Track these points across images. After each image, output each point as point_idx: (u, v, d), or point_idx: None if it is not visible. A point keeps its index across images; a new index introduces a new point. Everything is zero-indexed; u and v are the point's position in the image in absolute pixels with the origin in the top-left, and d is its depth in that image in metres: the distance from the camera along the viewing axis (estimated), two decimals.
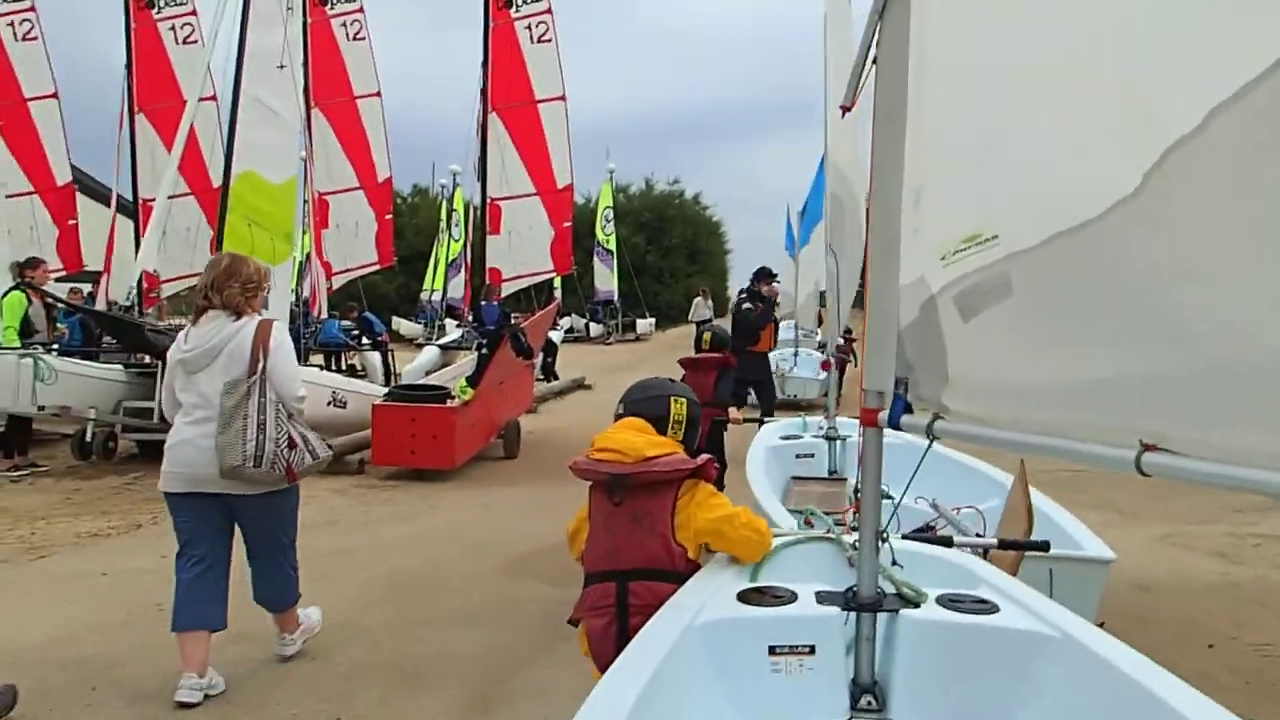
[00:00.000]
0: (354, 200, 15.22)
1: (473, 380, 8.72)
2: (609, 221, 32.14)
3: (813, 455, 4.83)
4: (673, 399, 2.60)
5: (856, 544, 2.03)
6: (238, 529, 3.60)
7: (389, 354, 15.50)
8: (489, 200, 12.53)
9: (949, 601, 1.94)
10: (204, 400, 3.49)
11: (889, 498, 3.13)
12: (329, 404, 9.15)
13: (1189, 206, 1.13)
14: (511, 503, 7.21)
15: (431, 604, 4.66)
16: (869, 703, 1.88)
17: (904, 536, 2.14)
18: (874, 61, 1.98)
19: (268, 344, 3.51)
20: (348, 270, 15.41)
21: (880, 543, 1.96)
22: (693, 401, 2.66)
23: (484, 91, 12.09)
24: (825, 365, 6.13)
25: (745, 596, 2.03)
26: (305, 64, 14.28)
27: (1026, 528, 3.03)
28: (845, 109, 2.04)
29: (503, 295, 13.42)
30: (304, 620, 3.98)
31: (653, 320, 33.77)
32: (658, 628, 1.90)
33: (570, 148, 12.57)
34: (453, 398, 8.52)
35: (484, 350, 9.12)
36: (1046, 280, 1.45)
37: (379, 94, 15.38)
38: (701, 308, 23.89)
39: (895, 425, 1.86)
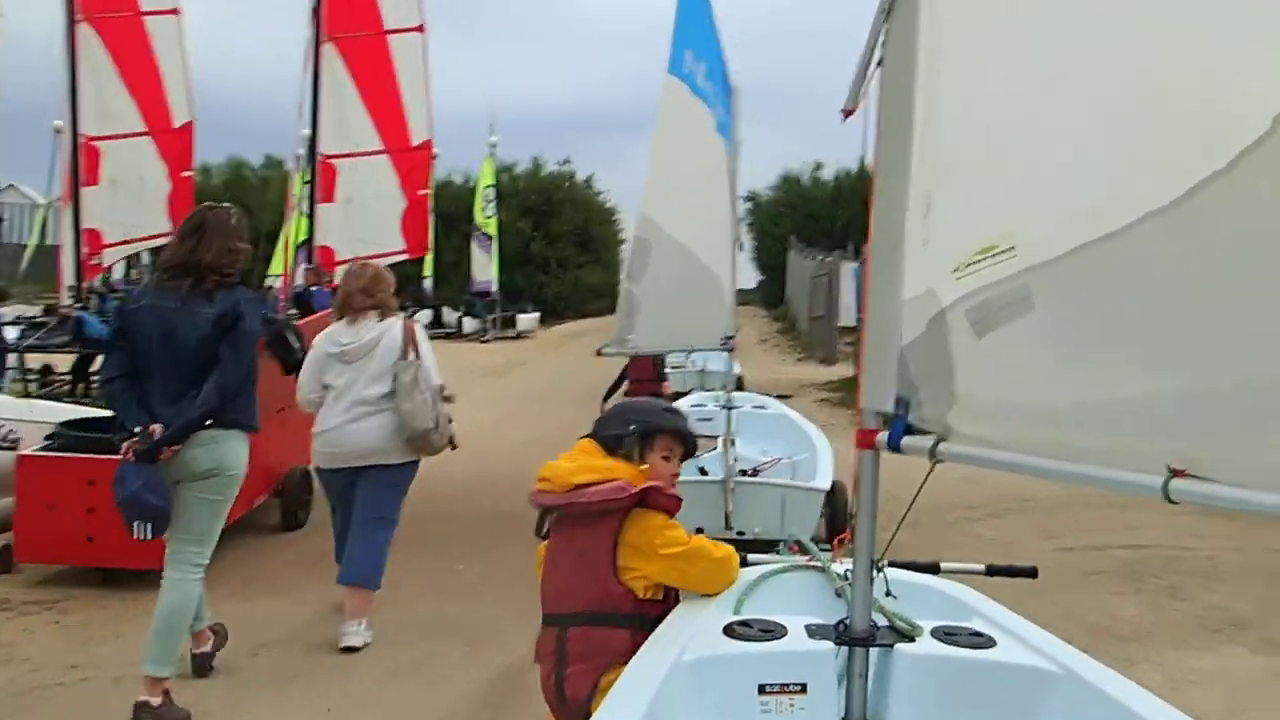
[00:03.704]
0: (137, 150, 14.38)
1: None
2: (490, 202, 32.65)
3: (711, 419, 7.56)
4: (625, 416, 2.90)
5: (847, 574, 2.35)
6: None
7: None
8: (320, 157, 12.17)
9: (944, 635, 2.27)
10: (355, 389, 5.12)
11: (729, 441, 6.45)
12: None
13: (1244, 214, 1.34)
14: (277, 643, 5.03)
15: None
16: None
17: (891, 564, 2.48)
18: (879, 63, 2.32)
19: (415, 338, 5.22)
20: (128, 241, 14.57)
21: (874, 573, 2.29)
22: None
23: (316, 11, 11.42)
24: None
25: (732, 630, 2.31)
26: None
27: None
28: (847, 113, 2.36)
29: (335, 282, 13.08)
30: (364, 620, 5.11)
31: (537, 315, 34.69)
32: (643, 666, 2.16)
33: (429, 94, 12.17)
34: None
35: None
36: (1070, 294, 1.70)
37: (177, 11, 14.48)
38: None
39: (895, 448, 2.17)
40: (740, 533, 6.48)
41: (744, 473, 6.82)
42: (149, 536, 4.10)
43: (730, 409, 7.34)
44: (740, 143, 8.20)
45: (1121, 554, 7.15)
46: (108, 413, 7.58)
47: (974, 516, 8.16)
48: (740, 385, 13.07)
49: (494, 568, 6.37)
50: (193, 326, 4.11)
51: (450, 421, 5.27)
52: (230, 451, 4.22)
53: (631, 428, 2.81)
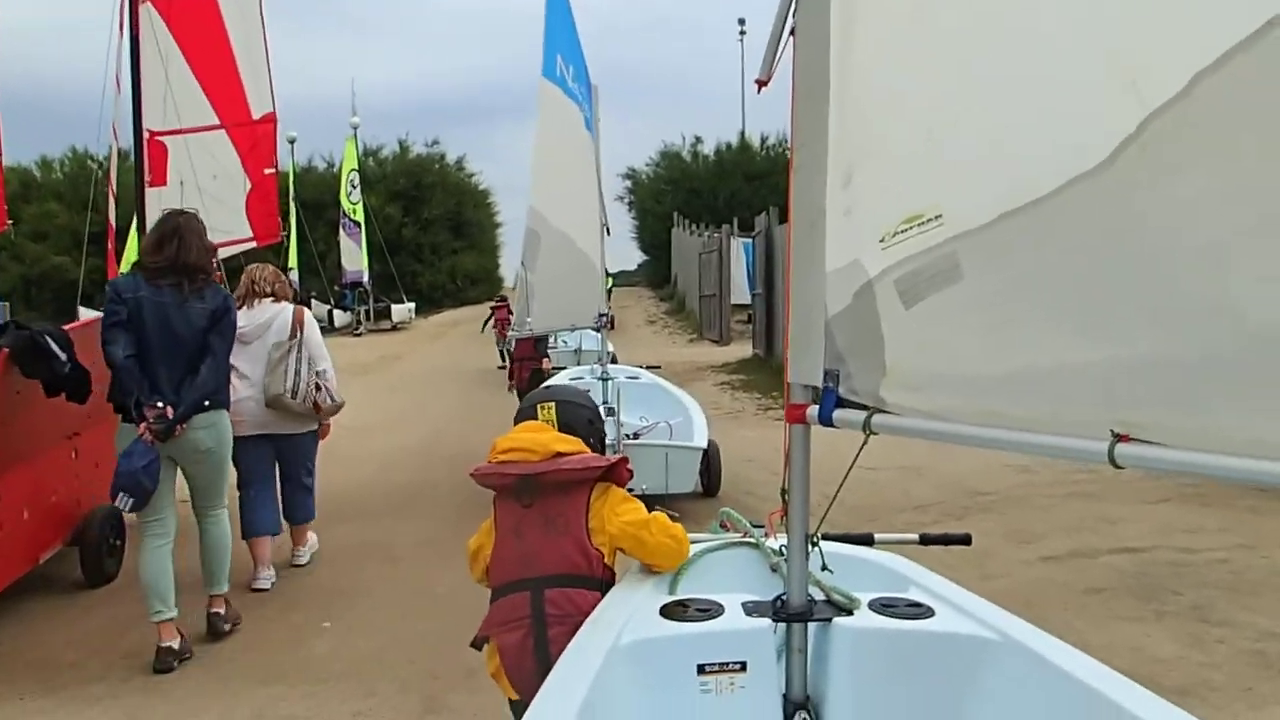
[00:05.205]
0: None
1: None
2: (355, 187, 32.82)
3: (589, 390, 8.92)
4: (540, 405, 3.19)
5: (782, 549, 2.54)
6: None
7: None
8: (146, 134, 11.71)
9: (882, 606, 2.44)
10: (253, 368, 6.36)
11: (611, 413, 7.67)
12: None
13: (1166, 178, 1.46)
14: None
15: None
16: (804, 719, 2.39)
17: (825, 537, 2.67)
18: (791, 32, 2.49)
19: (303, 322, 6.59)
20: None
21: (810, 548, 2.48)
22: (570, 404, 3.22)
23: None
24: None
25: (669, 611, 2.45)
26: None
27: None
28: (761, 84, 2.53)
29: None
30: (309, 540, 7.08)
31: (412, 305, 35.18)
32: (580, 651, 2.28)
33: (270, 60, 11.79)
34: None
35: None
36: (1000, 262, 1.84)
37: None
38: None
39: (828, 421, 2.35)
40: (630, 489, 6.96)
41: (628, 437, 8.19)
42: (127, 509, 5.18)
43: (607, 380, 8.86)
44: (599, 118, 9.39)
45: (1117, 561, 6.59)
46: None
47: (927, 519, 7.66)
48: (614, 360, 14.44)
49: (354, 627, 5.73)
50: (190, 321, 5.19)
51: (319, 390, 6.53)
52: (225, 430, 5.48)
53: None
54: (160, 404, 5.06)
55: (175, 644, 5.17)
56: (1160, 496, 8.01)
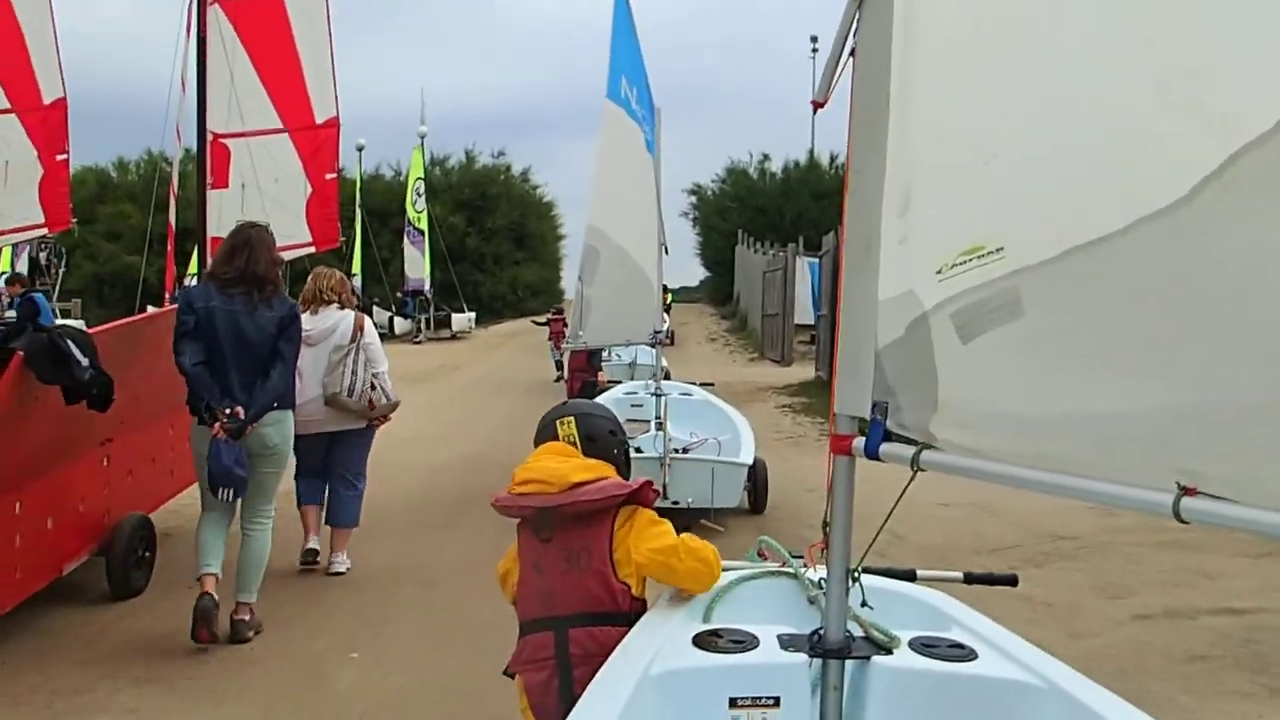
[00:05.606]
0: (2, 129, 13.94)
1: None
2: (420, 196, 33.40)
3: (641, 405, 9.86)
4: (559, 421, 3.13)
5: (821, 581, 2.50)
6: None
7: None
8: (209, 136, 11.84)
9: (922, 646, 2.38)
10: (317, 370, 6.82)
11: (661, 428, 8.61)
12: None
13: (1251, 215, 1.40)
14: None
15: None
16: None
17: (865, 570, 2.63)
18: (851, 53, 2.45)
19: (364, 328, 7.15)
20: None
21: (850, 583, 2.44)
22: (589, 416, 3.16)
23: None
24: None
25: (701, 641, 2.42)
26: None
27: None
28: (818, 105, 2.51)
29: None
30: (344, 554, 7.08)
31: (472, 314, 36.09)
32: (610, 680, 2.24)
33: (334, 66, 11.69)
34: None
35: None
36: (1065, 299, 1.77)
37: None
38: None
39: (874, 455, 2.32)
40: (675, 502, 7.81)
41: (676, 451, 8.42)
42: (231, 500, 5.56)
43: (660, 395, 9.28)
44: (660, 139, 10.03)
45: (1219, 624, 5.96)
46: None
47: (1004, 564, 6.89)
48: (667, 375, 14.58)
49: (381, 660, 5.48)
50: (261, 327, 5.58)
51: (374, 389, 7.04)
52: (289, 428, 5.93)
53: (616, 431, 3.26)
54: (229, 409, 5.40)
55: (245, 617, 5.67)
56: (1262, 550, 7.28)
